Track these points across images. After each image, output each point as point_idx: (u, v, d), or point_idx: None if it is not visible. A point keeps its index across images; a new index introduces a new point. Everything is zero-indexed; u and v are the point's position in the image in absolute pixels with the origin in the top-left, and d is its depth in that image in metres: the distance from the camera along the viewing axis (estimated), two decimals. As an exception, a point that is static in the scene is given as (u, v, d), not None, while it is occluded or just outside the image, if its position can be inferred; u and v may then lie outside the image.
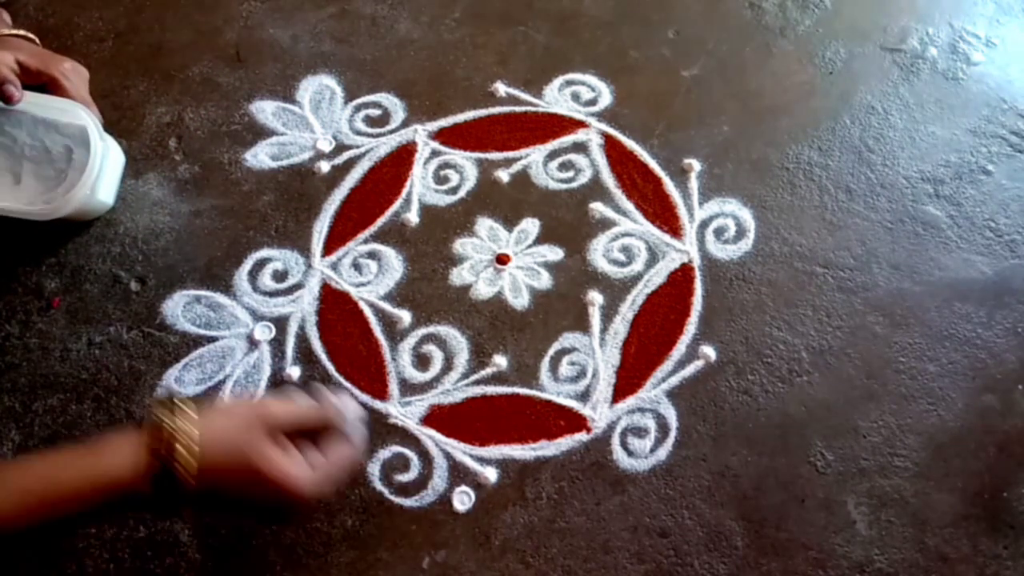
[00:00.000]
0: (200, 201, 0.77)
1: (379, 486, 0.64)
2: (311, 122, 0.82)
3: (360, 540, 0.61)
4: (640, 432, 0.66)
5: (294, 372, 0.68)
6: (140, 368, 0.68)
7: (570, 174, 0.79)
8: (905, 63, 0.87)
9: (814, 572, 0.61)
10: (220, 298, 0.72)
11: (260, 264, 0.74)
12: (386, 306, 0.72)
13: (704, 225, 0.76)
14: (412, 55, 0.87)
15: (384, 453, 0.65)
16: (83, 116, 0.70)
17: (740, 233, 0.76)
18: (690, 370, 0.69)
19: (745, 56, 0.87)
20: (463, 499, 0.63)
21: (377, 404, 0.67)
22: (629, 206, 0.77)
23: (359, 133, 0.81)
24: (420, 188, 0.78)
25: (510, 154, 0.80)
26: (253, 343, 0.70)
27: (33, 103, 0.69)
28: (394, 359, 0.69)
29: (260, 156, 0.80)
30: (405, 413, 0.67)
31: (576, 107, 0.83)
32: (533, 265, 0.74)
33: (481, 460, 0.65)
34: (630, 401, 0.67)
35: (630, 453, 0.65)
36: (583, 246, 0.75)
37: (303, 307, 0.72)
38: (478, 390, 0.68)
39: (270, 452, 0.50)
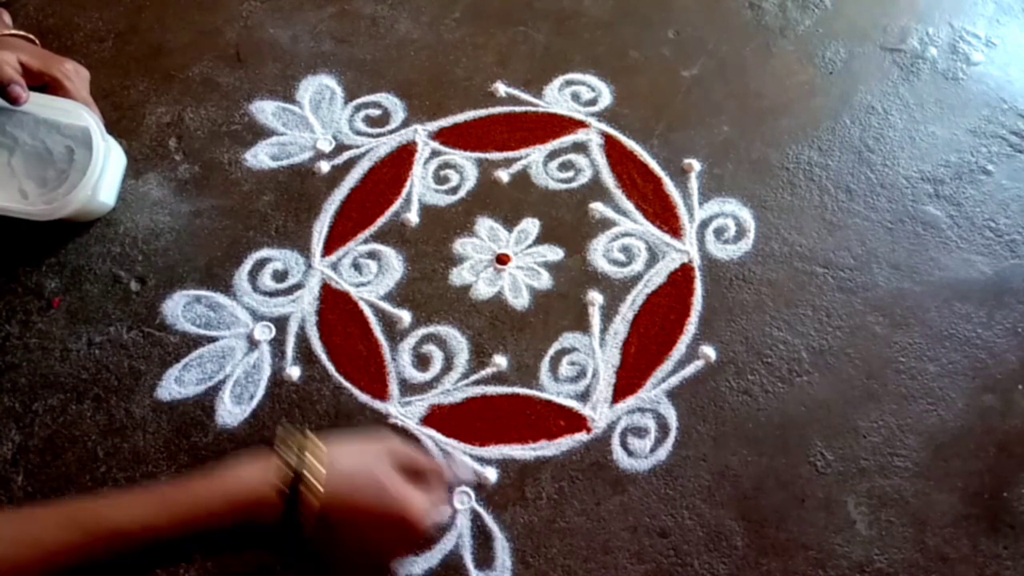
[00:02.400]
0: (200, 201, 0.77)
1: (379, 486, 0.64)
2: (311, 122, 0.82)
3: (360, 540, 0.61)
4: (640, 432, 0.66)
5: (294, 372, 0.68)
6: (140, 368, 0.68)
7: (570, 174, 0.79)
8: (905, 63, 0.87)
9: (814, 572, 0.61)
10: (220, 298, 0.72)
11: (260, 264, 0.74)
12: (386, 306, 0.72)
13: (704, 225, 0.76)
14: (412, 55, 0.87)
15: (384, 453, 0.65)
16: (85, 117, 0.70)
17: (740, 233, 0.76)
18: (690, 370, 0.69)
19: (745, 56, 0.87)
20: (463, 499, 0.63)
21: (377, 404, 0.67)
22: (629, 206, 0.77)
23: (359, 133, 0.81)
24: (420, 188, 0.78)
25: (510, 154, 0.80)
26: (253, 343, 0.70)
27: (36, 104, 0.69)
28: (394, 359, 0.69)
29: (260, 156, 0.80)
30: (405, 413, 0.67)
31: (576, 107, 0.83)
32: (533, 265, 0.74)
33: (481, 460, 0.65)
34: (630, 401, 0.67)
35: (630, 453, 0.65)
36: (583, 246, 0.75)
37: (303, 307, 0.72)
38: (478, 390, 0.68)
39: (396, 476, 0.52)
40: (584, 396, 0.68)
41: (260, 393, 0.67)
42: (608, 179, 0.79)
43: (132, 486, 0.52)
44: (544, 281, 0.73)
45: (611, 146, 0.81)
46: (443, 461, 0.59)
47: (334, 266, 0.74)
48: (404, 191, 0.78)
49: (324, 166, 0.79)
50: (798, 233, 0.76)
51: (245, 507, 0.48)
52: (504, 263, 0.74)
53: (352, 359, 0.69)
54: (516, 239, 0.76)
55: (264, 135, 0.81)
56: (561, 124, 0.82)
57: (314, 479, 0.49)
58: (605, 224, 0.76)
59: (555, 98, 0.84)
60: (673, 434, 0.66)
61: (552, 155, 0.80)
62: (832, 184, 0.78)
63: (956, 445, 0.66)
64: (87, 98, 0.73)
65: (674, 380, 0.68)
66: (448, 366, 0.69)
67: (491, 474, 0.64)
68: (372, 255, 0.75)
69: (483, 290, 0.73)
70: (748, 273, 0.74)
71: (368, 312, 0.72)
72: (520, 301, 0.72)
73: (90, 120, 0.70)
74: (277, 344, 0.70)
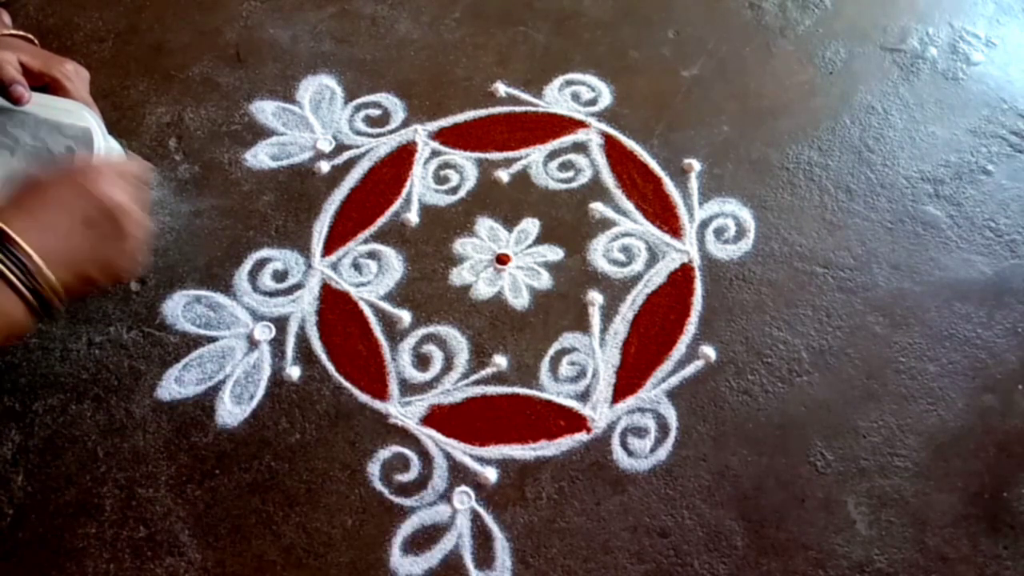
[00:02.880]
0: (200, 201, 0.77)
1: (379, 486, 0.64)
2: (311, 122, 0.82)
3: (360, 540, 0.61)
4: (640, 432, 0.66)
5: (294, 372, 0.68)
6: (140, 368, 0.68)
7: (570, 174, 0.79)
8: (905, 63, 0.87)
9: (814, 572, 0.61)
10: (220, 298, 0.72)
11: (260, 264, 0.74)
12: (386, 306, 0.72)
13: (704, 225, 0.76)
14: (412, 55, 0.87)
15: (384, 453, 0.65)
16: (87, 117, 0.70)
17: (740, 233, 0.76)
18: (690, 370, 0.69)
19: (745, 56, 0.87)
20: (463, 499, 0.63)
21: (377, 404, 0.67)
22: (629, 206, 0.77)
23: (359, 133, 0.81)
24: (420, 188, 0.78)
25: (510, 154, 0.80)
26: (253, 343, 0.70)
27: (37, 104, 0.69)
28: (394, 359, 0.69)
29: (260, 156, 0.80)
30: (405, 413, 0.67)
31: (576, 107, 0.83)
32: (533, 265, 0.74)
33: (481, 460, 0.65)
34: (630, 401, 0.67)
35: (630, 453, 0.65)
36: (583, 246, 0.75)
37: (303, 307, 0.72)
38: (478, 390, 0.68)
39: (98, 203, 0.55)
40: (584, 396, 0.68)
41: (260, 393, 0.67)
42: (608, 179, 0.79)
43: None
44: (544, 281, 0.73)
45: (611, 146, 0.81)
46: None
47: (334, 266, 0.74)
48: (404, 191, 0.78)
49: (324, 166, 0.79)
50: (798, 233, 0.76)
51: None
52: (504, 263, 0.74)
53: (352, 359, 0.69)
54: (516, 239, 0.76)
55: (264, 135, 0.81)
56: (561, 124, 0.82)
57: (48, 285, 0.52)
58: (605, 224, 0.76)
59: (555, 98, 0.84)
60: (673, 434, 0.66)
61: (552, 155, 0.80)
62: (832, 184, 0.78)
63: (956, 445, 0.66)
64: (87, 98, 0.73)
65: (674, 380, 0.68)
66: (448, 366, 0.69)
67: (491, 474, 0.64)
68: (372, 255, 0.75)
69: (483, 290, 0.73)
70: (748, 273, 0.74)
71: (368, 312, 0.72)
72: (520, 301, 0.72)
73: (91, 120, 0.70)
74: (277, 344, 0.70)
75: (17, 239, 0.51)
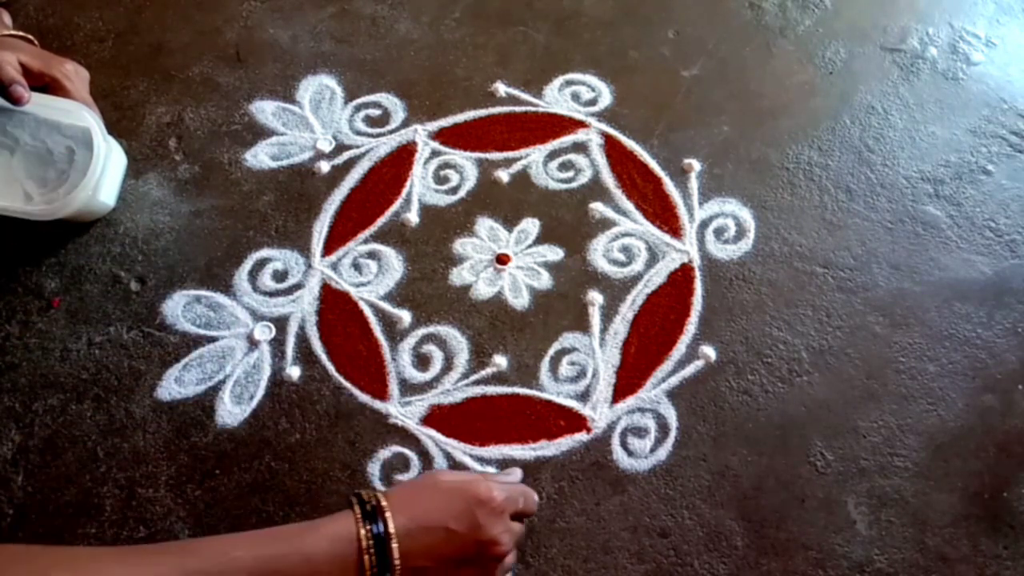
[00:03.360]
0: (200, 201, 0.77)
1: (379, 486, 0.64)
2: (311, 122, 0.82)
3: (360, 540, 0.61)
4: (640, 432, 0.66)
5: (294, 372, 0.68)
6: (140, 368, 0.68)
7: (570, 174, 0.79)
8: (905, 63, 0.87)
9: (814, 572, 0.61)
10: (220, 298, 0.72)
11: (260, 264, 0.74)
12: (386, 306, 0.72)
13: (704, 225, 0.76)
14: (412, 55, 0.87)
15: (384, 453, 0.65)
16: (86, 117, 0.70)
17: (740, 233, 0.76)
18: (690, 370, 0.69)
19: (745, 56, 0.87)
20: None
21: (377, 404, 0.67)
22: (629, 206, 0.77)
23: (359, 133, 0.81)
24: (420, 188, 0.78)
25: (510, 154, 0.80)
26: (253, 343, 0.70)
27: (37, 104, 0.69)
28: (394, 359, 0.69)
29: (260, 156, 0.80)
30: (405, 413, 0.67)
31: (576, 107, 0.83)
32: (533, 265, 0.74)
33: (481, 460, 0.65)
34: (630, 401, 0.67)
35: (630, 453, 0.65)
36: (583, 246, 0.75)
37: (303, 307, 0.72)
38: (478, 390, 0.68)
39: (446, 475, 0.54)
40: (584, 396, 0.68)
41: (260, 393, 0.67)
42: (608, 179, 0.79)
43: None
44: (544, 281, 0.73)
45: (611, 146, 0.81)
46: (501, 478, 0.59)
47: (334, 266, 0.74)
48: (404, 191, 0.78)
49: (324, 166, 0.79)
50: (798, 233, 0.76)
51: (337, 539, 0.49)
52: (504, 263, 0.74)
53: (352, 359, 0.69)
54: (516, 239, 0.76)
55: (264, 135, 0.81)
56: (561, 124, 0.82)
57: (383, 502, 0.51)
58: (605, 224, 0.76)
59: (555, 98, 0.84)
60: (673, 434, 0.66)
61: (552, 155, 0.80)
62: (832, 184, 0.78)
63: (956, 445, 0.66)
64: (87, 98, 0.73)
65: (674, 380, 0.68)
66: (448, 366, 0.69)
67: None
68: (372, 255, 0.75)
69: (483, 290, 0.73)
70: (748, 273, 0.74)
71: (368, 312, 0.72)
72: (520, 301, 0.72)
73: (91, 120, 0.70)
74: (277, 344, 0.70)
75: (388, 515, 0.50)
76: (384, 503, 0.51)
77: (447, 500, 0.52)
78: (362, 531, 0.49)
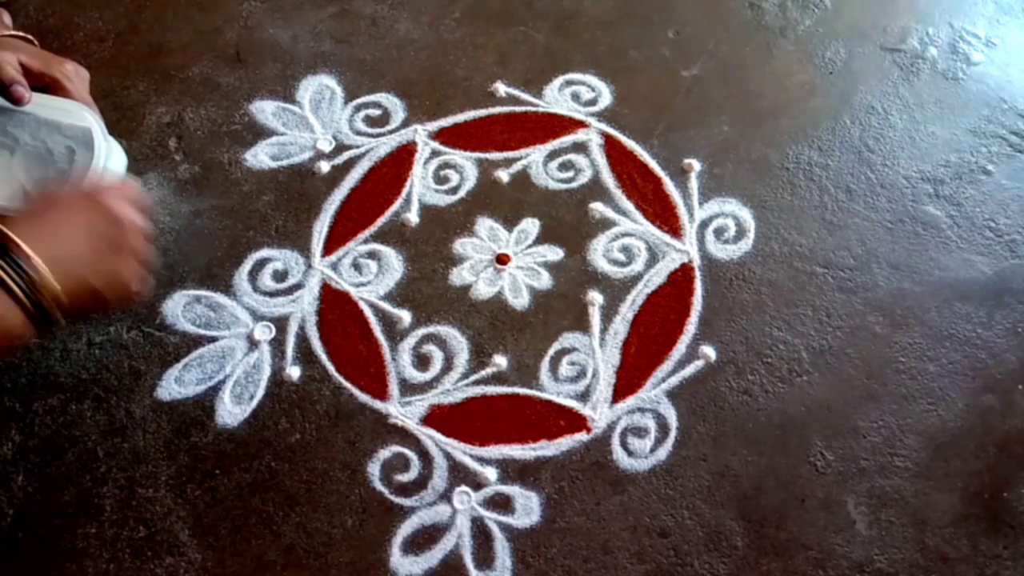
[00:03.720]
0: (200, 201, 0.77)
1: (379, 486, 0.64)
2: (311, 122, 0.82)
3: (360, 540, 0.61)
4: (640, 432, 0.66)
5: (294, 372, 0.68)
6: (140, 368, 0.68)
7: (570, 174, 0.79)
8: (905, 63, 0.87)
9: (814, 572, 0.61)
10: (220, 298, 0.72)
11: (260, 264, 0.74)
12: (386, 306, 0.72)
13: (704, 225, 0.76)
14: (412, 55, 0.87)
15: (384, 453, 0.65)
16: (87, 118, 0.70)
17: (740, 233, 0.76)
18: (690, 370, 0.69)
19: (745, 56, 0.87)
20: (463, 499, 0.63)
21: (377, 404, 0.67)
22: (629, 206, 0.77)
23: (359, 133, 0.81)
24: (420, 188, 0.78)
25: (510, 154, 0.80)
26: (253, 343, 0.70)
27: (37, 104, 0.69)
28: (394, 359, 0.69)
29: (260, 156, 0.80)
30: (405, 413, 0.67)
31: (576, 107, 0.83)
32: (533, 265, 0.74)
33: (481, 460, 0.65)
34: (630, 401, 0.67)
35: (630, 453, 0.65)
36: (583, 246, 0.75)
37: (303, 307, 0.72)
38: (478, 390, 0.68)
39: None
40: (584, 396, 0.68)
41: (260, 393, 0.67)
42: (608, 179, 0.79)
43: None
44: (544, 281, 0.73)
45: (611, 146, 0.81)
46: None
47: (334, 266, 0.74)
48: (404, 191, 0.78)
49: (324, 166, 0.79)
50: (798, 233, 0.76)
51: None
52: (504, 263, 0.74)
53: (352, 359, 0.69)
54: (516, 239, 0.76)
55: (264, 135, 0.81)
56: (561, 124, 0.82)
57: (49, 293, 0.51)
58: (605, 224, 0.76)
59: (555, 98, 0.84)
60: (673, 434, 0.66)
61: (552, 155, 0.80)
62: (832, 184, 0.78)
63: (956, 445, 0.66)
64: (88, 99, 0.73)
65: (674, 380, 0.68)
66: (448, 366, 0.69)
67: (491, 474, 0.64)
68: (372, 255, 0.75)
69: (483, 290, 0.73)
70: (748, 273, 0.74)
71: (368, 312, 0.72)
72: (520, 301, 0.72)
73: (91, 121, 0.70)
74: (277, 344, 0.70)
75: (22, 245, 0.51)
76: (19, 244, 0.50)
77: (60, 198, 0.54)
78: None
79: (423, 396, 0.68)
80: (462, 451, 0.65)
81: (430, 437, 0.66)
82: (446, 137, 0.81)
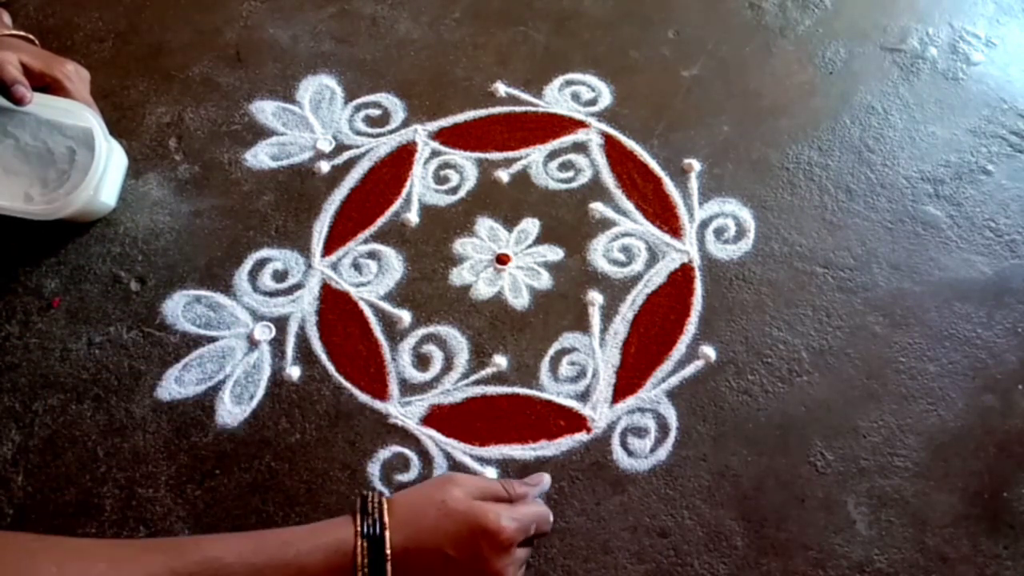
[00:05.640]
0: (200, 201, 0.77)
1: (379, 486, 0.64)
2: (311, 122, 0.82)
3: (360, 540, 0.61)
4: (640, 432, 0.66)
5: (294, 372, 0.68)
6: (140, 368, 0.68)
7: (570, 174, 0.79)
8: (905, 63, 0.87)
9: (814, 572, 0.61)
10: (220, 298, 0.72)
11: (260, 264, 0.74)
12: (386, 306, 0.72)
13: (704, 225, 0.76)
14: (412, 55, 0.87)
15: (384, 453, 0.65)
16: (88, 118, 0.70)
17: (740, 233, 0.76)
18: (690, 370, 0.69)
19: (745, 56, 0.87)
20: (463, 499, 0.63)
21: (377, 404, 0.67)
22: (629, 206, 0.77)
23: (359, 133, 0.81)
24: (420, 188, 0.78)
25: (510, 154, 0.80)
26: (253, 343, 0.70)
27: (38, 104, 0.69)
28: (394, 359, 0.69)
29: (260, 156, 0.80)
30: (405, 413, 0.67)
31: (576, 107, 0.83)
32: (533, 265, 0.74)
33: (481, 460, 0.65)
34: (630, 401, 0.67)
35: (630, 453, 0.65)
36: (583, 246, 0.75)
37: (303, 307, 0.72)
38: (478, 390, 0.68)
39: (457, 492, 0.52)
40: (584, 396, 0.68)
41: (260, 393, 0.67)
42: (608, 179, 0.79)
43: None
44: (544, 281, 0.73)
45: (611, 146, 0.81)
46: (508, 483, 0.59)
47: (334, 266, 0.74)
48: (404, 191, 0.78)
49: (324, 166, 0.79)
50: (798, 233, 0.76)
51: (333, 552, 0.49)
52: (504, 263, 0.74)
53: (352, 359, 0.69)
54: (516, 239, 0.76)
55: (264, 135, 0.81)
56: (561, 124, 0.82)
57: (386, 517, 0.51)
58: (605, 224, 0.76)
59: (555, 98, 0.84)
60: (673, 434, 0.66)
61: (552, 155, 0.80)
62: (832, 184, 0.78)
63: (956, 445, 0.66)
64: (88, 99, 0.73)
65: (674, 380, 0.68)
66: (448, 366, 0.69)
67: (491, 474, 0.64)
68: (372, 255, 0.75)
69: (483, 290, 0.73)
70: (748, 273, 0.74)
71: (368, 312, 0.72)
72: (520, 301, 0.72)
73: (92, 121, 0.70)
74: (277, 344, 0.70)
75: (387, 533, 0.50)
76: (386, 518, 0.50)
77: (453, 525, 0.51)
78: (359, 547, 0.49)
79: (423, 396, 0.68)
80: (462, 451, 0.65)
81: (430, 437, 0.66)
82: (446, 137, 0.81)
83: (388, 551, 0.49)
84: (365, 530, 0.50)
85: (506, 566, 0.51)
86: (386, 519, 0.50)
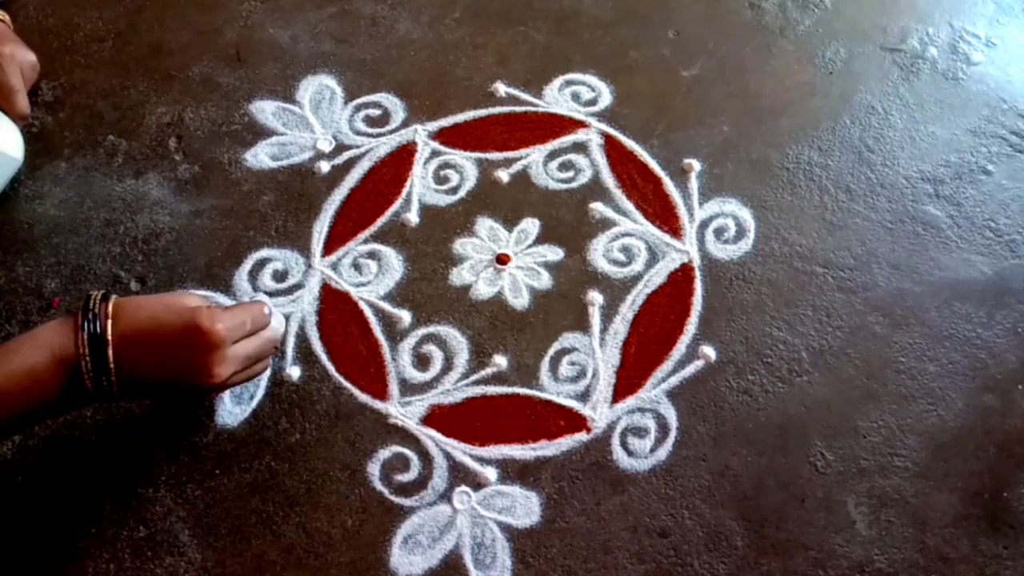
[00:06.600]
0: (200, 201, 0.77)
1: (379, 486, 0.64)
2: (311, 122, 0.82)
3: (360, 540, 0.61)
4: (640, 432, 0.66)
5: (294, 372, 0.68)
6: (140, 368, 0.68)
7: (570, 174, 0.79)
8: (905, 63, 0.87)
9: (814, 572, 0.61)
10: (220, 298, 0.72)
11: (260, 264, 0.74)
12: (386, 306, 0.72)
13: (704, 225, 0.76)
14: (412, 55, 0.87)
15: (384, 453, 0.65)
16: None
17: (740, 233, 0.76)
18: (690, 370, 0.69)
19: (745, 56, 0.87)
20: (463, 499, 0.63)
21: (377, 404, 0.67)
22: (629, 206, 0.77)
23: (359, 133, 0.81)
24: (420, 188, 0.78)
25: (510, 154, 0.80)
26: (253, 343, 0.70)
27: None
28: (394, 359, 0.69)
29: (260, 156, 0.80)
30: (405, 413, 0.67)
31: (576, 107, 0.83)
32: (533, 265, 0.74)
33: (481, 460, 0.65)
34: (630, 401, 0.67)
35: (630, 453, 0.65)
36: (583, 246, 0.75)
37: (303, 307, 0.72)
38: (478, 390, 0.68)
39: (182, 298, 0.56)
40: (584, 396, 0.68)
41: (260, 393, 0.67)
42: (608, 179, 0.79)
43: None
44: (544, 281, 0.73)
45: (611, 146, 0.81)
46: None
47: (334, 266, 0.74)
48: (404, 191, 0.78)
49: (324, 166, 0.79)
50: (798, 233, 0.76)
51: (59, 348, 0.52)
52: (504, 263, 0.74)
53: (352, 359, 0.69)
54: (516, 239, 0.76)
55: (264, 135, 0.81)
56: (561, 124, 0.82)
57: (109, 309, 0.54)
58: (605, 224, 0.76)
59: (555, 98, 0.84)
60: (673, 434, 0.66)
61: (552, 155, 0.80)
62: (832, 184, 0.78)
63: (956, 445, 0.66)
64: (11, 84, 0.72)
65: (674, 380, 0.68)
66: (448, 366, 0.69)
67: (491, 474, 0.64)
68: (372, 255, 0.75)
69: (483, 290, 0.73)
70: (748, 273, 0.74)
71: (368, 312, 0.72)
72: (520, 301, 0.72)
73: None
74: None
75: (109, 321, 0.53)
76: (108, 309, 0.53)
77: (171, 318, 0.54)
78: (80, 335, 0.52)
79: (423, 396, 0.68)
80: (462, 451, 0.65)
81: (430, 437, 0.66)
82: (446, 137, 0.81)
83: (108, 336, 0.52)
84: (86, 327, 0.52)
85: (217, 364, 0.55)
86: (109, 310, 0.53)
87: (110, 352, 0.52)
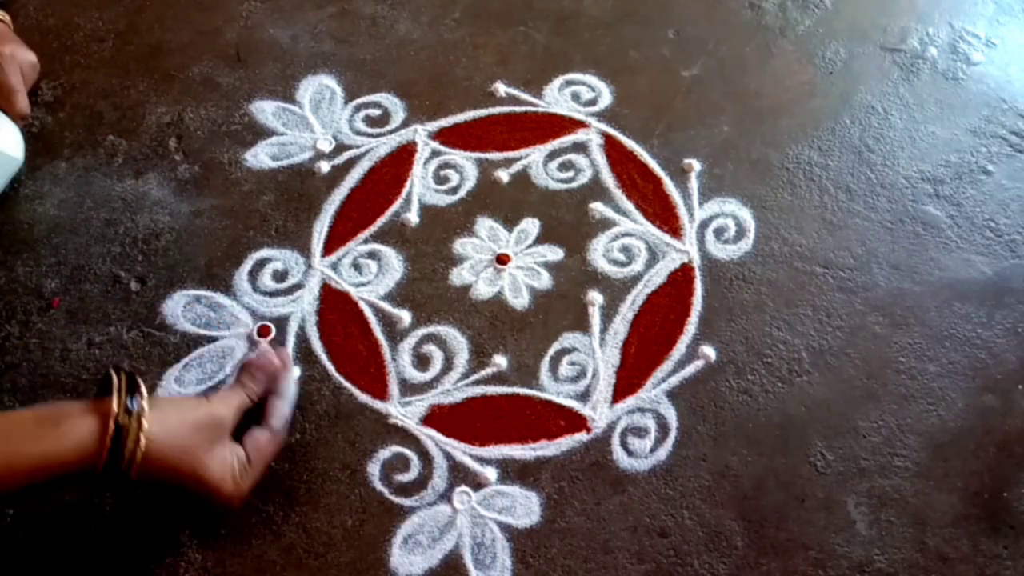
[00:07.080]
0: (200, 201, 0.77)
1: (379, 486, 0.64)
2: (311, 122, 0.82)
3: (360, 540, 0.61)
4: (640, 432, 0.66)
5: (294, 372, 0.68)
6: (140, 368, 0.68)
7: (570, 174, 0.79)
8: (905, 63, 0.87)
9: (814, 572, 0.61)
10: (220, 298, 0.72)
11: (260, 264, 0.74)
12: (386, 306, 0.72)
13: (704, 225, 0.76)
14: (412, 55, 0.87)
15: (384, 453, 0.65)
16: None
17: (740, 233, 0.76)
18: (690, 370, 0.69)
19: (745, 56, 0.87)
20: (463, 499, 0.63)
21: (377, 404, 0.67)
22: (629, 206, 0.77)
23: (359, 133, 0.81)
24: (420, 188, 0.78)
25: (510, 154, 0.80)
26: (253, 343, 0.70)
27: None
28: (394, 359, 0.69)
29: (260, 156, 0.80)
30: (405, 413, 0.67)
31: (576, 107, 0.83)
32: (533, 265, 0.74)
33: (481, 460, 0.65)
34: (630, 401, 0.67)
35: (630, 453, 0.65)
36: (583, 246, 0.75)
37: (303, 307, 0.72)
38: (478, 390, 0.68)
39: (209, 462, 0.55)
40: (584, 396, 0.68)
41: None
42: (608, 179, 0.79)
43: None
44: (544, 281, 0.73)
45: (611, 146, 0.81)
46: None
47: (334, 266, 0.74)
48: (404, 191, 0.78)
49: (324, 166, 0.79)
50: (798, 233, 0.76)
51: (66, 469, 0.51)
52: (504, 263, 0.74)
53: (352, 359, 0.69)
54: (516, 239, 0.76)
55: (264, 135, 0.81)
56: (561, 124, 0.82)
57: (141, 442, 0.52)
58: (605, 224, 0.76)
59: (555, 98, 0.84)
60: (673, 434, 0.66)
61: (552, 155, 0.80)
62: (832, 184, 0.78)
63: (956, 445, 0.66)
64: (11, 84, 0.72)
65: (674, 380, 0.68)
66: (448, 366, 0.69)
67: (491, 474, 0.64)
68: (372, 255, 0.75)
69: (483, 290, 0.73)
70: (748, 273, 0.74)
71: (368, 312, 0.72)
72: (520, 301, 0.72)
73: None
74: (277, 344, 0.70)
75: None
76: (139, 449, 0.52)
77: (195, 475, 0.55)
78: (104, 455, 0.51)
79: (423, 396, 0.68)
80: (462, 451, 0.65)
81: (430, 437, 0.66)
82: (446, 137, 0.81)
83: (133, 473, 0.52)
84: (112, 454, 0.51)
85: (240, 503, 0.58)
86: (139, 449, 0.52)
87: (131, 475, 0.52)
